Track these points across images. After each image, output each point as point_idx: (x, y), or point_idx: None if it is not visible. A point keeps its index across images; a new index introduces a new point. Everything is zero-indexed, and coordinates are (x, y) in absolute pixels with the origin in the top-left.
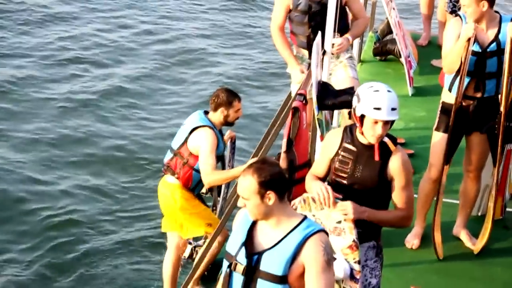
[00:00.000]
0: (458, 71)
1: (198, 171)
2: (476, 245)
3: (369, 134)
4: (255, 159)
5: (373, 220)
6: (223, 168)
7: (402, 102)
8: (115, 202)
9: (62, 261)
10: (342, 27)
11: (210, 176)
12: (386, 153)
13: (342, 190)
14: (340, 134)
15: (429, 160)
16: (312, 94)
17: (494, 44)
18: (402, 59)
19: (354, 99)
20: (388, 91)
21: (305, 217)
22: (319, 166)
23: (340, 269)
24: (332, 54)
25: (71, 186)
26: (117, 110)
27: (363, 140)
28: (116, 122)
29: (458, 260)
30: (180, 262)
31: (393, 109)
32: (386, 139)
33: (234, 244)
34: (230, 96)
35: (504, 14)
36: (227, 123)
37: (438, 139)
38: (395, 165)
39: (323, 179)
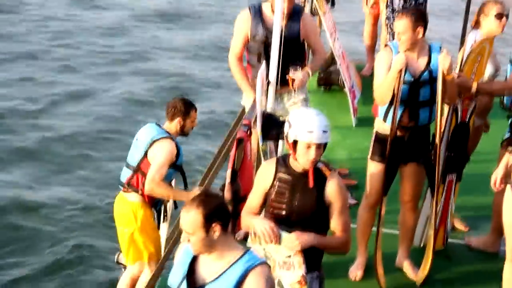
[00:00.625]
0: (391, 101)
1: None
2: (418, 276)
3: (303, 160)
4: (198, 190)
5: (320, 246)
6: (184, 178)
7: (346, 133)
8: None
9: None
10: (300, 60)
11: (155, 185)
12: (321, 179)
13: (281, 221)
14: (273, 165)
15: (365, 190)
16: (257, 124)
17: (426, 73)
18: (346, 90)
19: (286, 125)
20: (318, 114)
21: (247, 250)
22: (254, 200)
23: None
24: (293, 89)
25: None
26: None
27: (297, 168)
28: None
29: None
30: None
31: (324, 131)
32: (320, 165)
33: (176, 278)
34: (187, 106)
35: (431, 42)
36: (183, 133)
37: (374, 168)
38: (332, 190)
39: (259, 212)
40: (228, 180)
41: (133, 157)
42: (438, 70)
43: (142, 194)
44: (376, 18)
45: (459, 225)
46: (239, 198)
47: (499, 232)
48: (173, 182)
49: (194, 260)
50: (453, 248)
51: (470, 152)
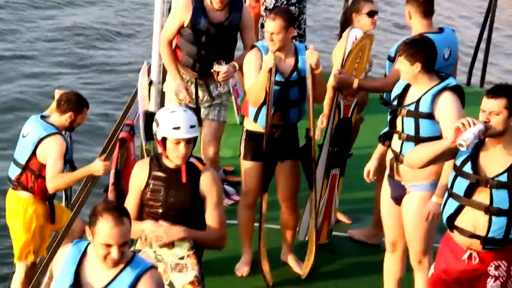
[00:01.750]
0: (263, 102)
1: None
2: (303, 270)
3: (173, 156)
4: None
5: (192, 239)
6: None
7: (230, 131)
8: None
9: None
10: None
11: (55, 180)
12: (195, 174)
13: (159, 219)
14: (147, 164)
15: (242, 189)
16: (140, 124)
17: (295, 73)
18: (230, 88)
19: (154, 124)
20: (184, 110)
21: (134, 255)
22: (131, 201)
23: None
24: (219, 82)
25: None
26: None
27: (170, 164)
28: None
29: (286, 285)
30: None
31: (191, 126)
32: (193, 160)
33: (62, 283)
34: (81, 102)
35: (296, 43)
36: (70, 128)
37: (248, 168)
38: (206, 184)
39: (137, 214)
40: (111, 181)
41: (21, 155)
42: (306, 69)
43: (33, 191)
44: (257, 17)
45: (343, 218)
46: (124, 198)
47: (380, 224)
48: None
49: (79, 267)
50: (337, 241)
51: (350, 147)
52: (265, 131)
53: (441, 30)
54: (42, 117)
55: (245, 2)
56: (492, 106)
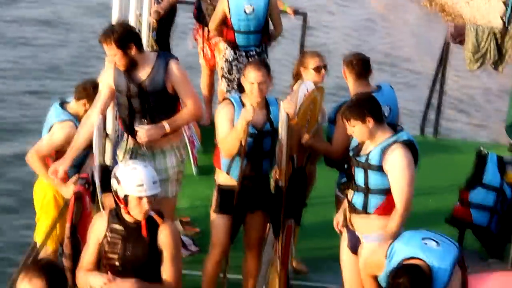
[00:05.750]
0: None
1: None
2: None
3: (136, 212)
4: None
5: None
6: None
7: (187, 182)
8: None
9: None
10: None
11: (30, 156)
12: (153, 227)
13: (116, 273)
14: (105, 217)
15: (211, 242)
16: (95, 178)
17: (268, 124)
18: (185, 139)
19: (113, 181)
20: (145, 166)
21: None
22: (89, 254)
23: None
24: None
25: None
26: None
27: (129, 218)
28: None
29: None
30: None
31: (154, 182)
32: (152, 213)
33: None
34: (96, 92)
35: (267, 96)
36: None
37: (219, 221)
38: (163, 238)
39: (94, 268)
40: (67, 234)
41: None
42: (278, 120)
43: None
44: (212, 69)
45: (300, 267)
46: (79, 252)
47: None
48: None
49: None
50: None
51: (306, 197)
52: (238, 183)
53: (378, 88)
54: (63, 103)
55: (202, 57)
56: None
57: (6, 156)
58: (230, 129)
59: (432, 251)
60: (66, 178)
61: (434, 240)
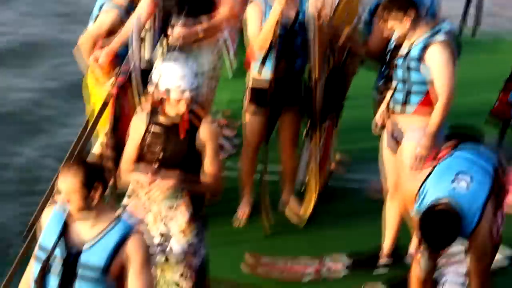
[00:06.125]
0: (267, 52)
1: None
2: (302, 215)
3: (176, 107)
4: None
5: (191, 189)
6: None
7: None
8: None
9: None
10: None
11: (85, 37)
12: (193, 127)
13: (157, 168)
14: (145, 117)
15: (244, 139)
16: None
17: (298, 22)
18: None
19: (154, 75)
20: (185, 60)
21: (120, 216)
22: (129, 152)
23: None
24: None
25: None
26: None
27: (167, 120)
28: None
29: (284, 234)
30: None
31: (195, 75)
32: (194, 107)
33: (49, 237)
34: None
35: None
36: (130, 6)
37: (252, 119)
38: (204, 136)
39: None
40: (110, 126)
41: None
42: (309, 18)
43: None
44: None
45: (339, 169)
46: (122, 146)
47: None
48: None
49: (65, 226)
50: (335, 191)
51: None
52: (271, 79)
53: None
54: None
55: None
56: None
57: None
58: (260, 28)
59: (460, 196)
60: (107, 68)
61: (466, 178)
